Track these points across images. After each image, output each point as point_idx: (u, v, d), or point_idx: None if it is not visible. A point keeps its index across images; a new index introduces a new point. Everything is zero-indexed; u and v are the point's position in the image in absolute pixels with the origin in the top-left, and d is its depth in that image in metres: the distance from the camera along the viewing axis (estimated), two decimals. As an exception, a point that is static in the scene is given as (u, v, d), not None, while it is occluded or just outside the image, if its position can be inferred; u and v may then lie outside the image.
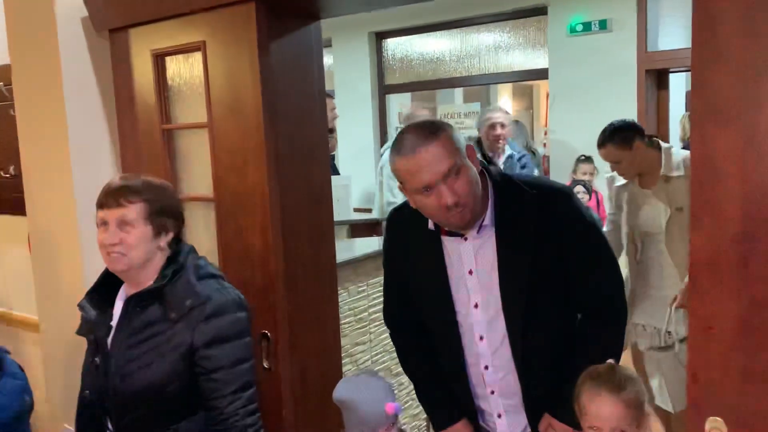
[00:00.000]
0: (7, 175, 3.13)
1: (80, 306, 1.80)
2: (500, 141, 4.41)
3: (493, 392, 1.86)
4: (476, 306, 1.78)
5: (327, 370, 2.38)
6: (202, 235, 2.33)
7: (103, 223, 1.69)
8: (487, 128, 4.42)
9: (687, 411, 1.32)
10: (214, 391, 1.68)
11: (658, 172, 2.86)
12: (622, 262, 3.01)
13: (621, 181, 3.08)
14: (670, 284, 2.86)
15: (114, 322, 1.75)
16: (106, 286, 1.81)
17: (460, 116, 6.37)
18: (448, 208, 1.59)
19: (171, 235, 1.76)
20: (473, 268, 1.76)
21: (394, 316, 2.01)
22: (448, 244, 1.78)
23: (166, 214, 1.74)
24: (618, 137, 2.86)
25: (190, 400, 1.70)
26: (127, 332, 1.71)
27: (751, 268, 1.21)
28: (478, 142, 4.44)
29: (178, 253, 1.76)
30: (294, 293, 2.20)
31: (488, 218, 1.73)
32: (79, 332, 1.83)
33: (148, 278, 1.72)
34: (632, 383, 1.57)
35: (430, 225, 1.76)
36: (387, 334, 2.55)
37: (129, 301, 1.73)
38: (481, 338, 1.80)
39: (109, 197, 1.69)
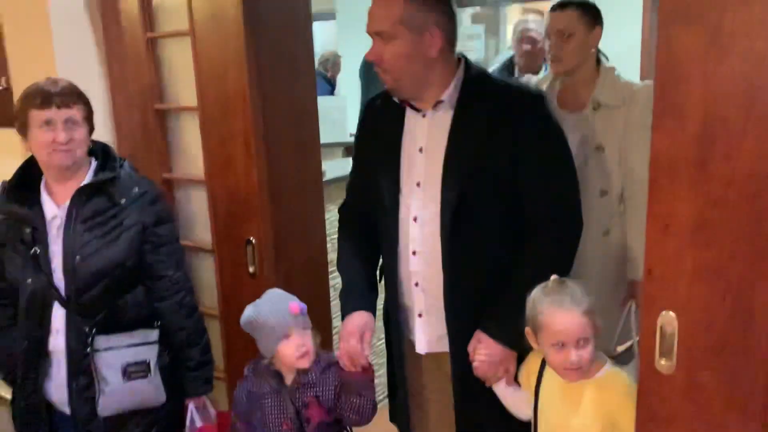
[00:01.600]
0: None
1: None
2: (538, 59, 3.44)
3: (417, 284, 1.80)
4: (418, 185, 1.76)
5: (313, 282, 2.45)
6: (192, 143, 2.36)
7: (46, 123, 1.82)
8: (521, 41, 3.50)
9: (641, 307, 1.38)
10: (162, 263, 1.98)
11: (589, 93, 2.24)
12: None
13: (543, 82, 2.45)
14: None
15: (54, 215, 1.91)
16: (21, 186, 1.95)
17: (463, 38, 6.23)
18: (371, 62, 1.69)
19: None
20: (423, 145, 1.75)
21: (347, 204, 2.02)
22: (408, 121, 1.79)
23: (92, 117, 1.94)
24: (589, 8, 2.26)
25: (136, 275, 1.95)
26: (79, 220, 1.88)
27: (709, 168, 1.24)
28: (510, 62, 3.66)
29: (107, 150, 2.00)
30: (278, 204, 2.24)
31: (447, 96, 1.72)
32: None
33: (82, 173, 1.92)
34: (585, 293, 1.57)
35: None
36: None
37: (79, 193, 1.89)
38: (415, 219, 1.77)
39: (56, 98, 1.82)
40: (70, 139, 1.83)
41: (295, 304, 1.81)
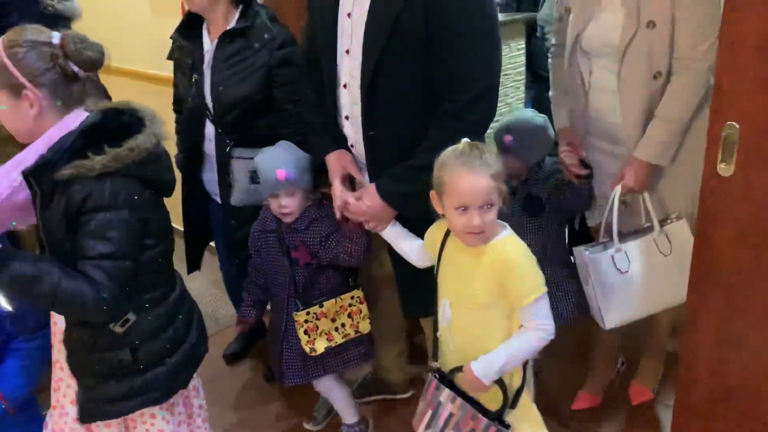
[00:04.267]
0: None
1: (173, 37, 2.37)
2: None
3: (353, 146, 1.92)
4: (347, 52, 1.80)
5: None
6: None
7: None
8: None
9: (709, 117, 1.53)
10: (283, 98, 2.27)
11: None
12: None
13: None
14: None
15: (207, 50, 2.30)
16: (188, 25, 2.35)
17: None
18: None
19: None
20: (351, 11, 1.77)
21: (305, 51, 2.07)
22: None
23: None
24: None
25: (265, 106, 2.28)
26: (221, 58, 2.25)
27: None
28: None
29: (249, 2, 2.28)
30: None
31: None
32: (170, 57, 2.42)
33: (230, 19, 2.27)
34: (493, 156, 1.54)
35: None
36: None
37: (223, 36, 2.25)
38: (345, 86, 1.83)
39: None
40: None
41: (282, 172, 1.97)
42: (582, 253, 1.97)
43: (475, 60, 1.71)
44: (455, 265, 1.64)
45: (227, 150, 2.30)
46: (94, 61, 1.46)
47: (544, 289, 1.54)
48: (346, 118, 1.88)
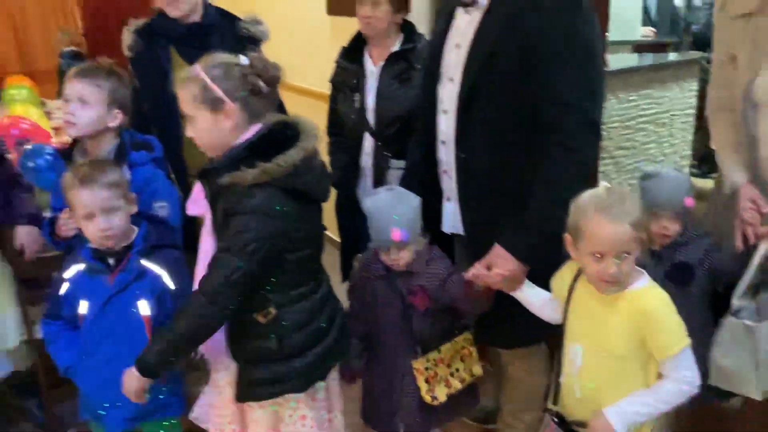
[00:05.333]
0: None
1: (338, 62, 2.70)
2: None
3: (445, 171, 1.98)
4: (451, 80, 1.89)
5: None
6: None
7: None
8: None
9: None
10: None
11: None
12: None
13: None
14: None
15: (372, 71, 2.59)
16: (353, 49, 2.67)
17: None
18: None
19: None
20: (460, 41, 1.86)
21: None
22: (456, 18, 1.89)
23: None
24: None
25: None
26: (388, 76, 2.55)
27: None
28: None
29: (411, 26, 2.58)
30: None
31: None
32: (332, 80, 2.73)
33: (392, 42, 2.56)
34: (635, 204, 1.49)
35: None
36: (652, 144, 2.59)
37: (390, 57, 2.54)
38: (445, 112, 1.92)
39: None
40: (370, 16, 2.50)
41: (397, 232, 1.85)
42: (745, 325, 1.76)
43: (575, 86, 1.69)
44: (587, 311, 1.60)
45: (386, 162, 2.56)
46: (276, 78, 1.65)
47: (688, 340, 1.48)
48: (443, 142, 1.95)
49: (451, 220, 2.02)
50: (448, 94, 1.89)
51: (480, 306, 1.91)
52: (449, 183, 1.97)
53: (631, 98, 3.53)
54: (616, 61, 3.55)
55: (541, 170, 1.73)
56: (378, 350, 2.08)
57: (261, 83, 1.62)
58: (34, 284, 2.43)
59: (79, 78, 1.98)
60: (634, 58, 4.29)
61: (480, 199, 1.90)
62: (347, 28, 2.79)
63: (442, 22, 1.95)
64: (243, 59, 1.64)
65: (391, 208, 1.88)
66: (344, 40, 2.74)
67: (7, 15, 6.35)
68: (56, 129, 3.78)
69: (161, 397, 1.87)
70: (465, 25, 1.84)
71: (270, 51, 2.49)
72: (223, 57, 1.65)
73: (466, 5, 1.82)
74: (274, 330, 1.69)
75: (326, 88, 2.90)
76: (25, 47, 6.47)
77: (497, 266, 1.75)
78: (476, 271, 1.79)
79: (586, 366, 1.60)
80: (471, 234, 1.96)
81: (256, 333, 1.70)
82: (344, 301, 2.01)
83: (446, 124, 1.91)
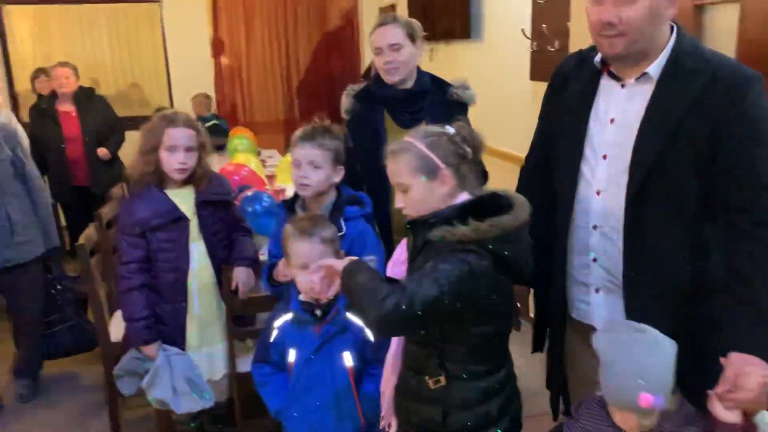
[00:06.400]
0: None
1: None
2: None
3: (595, 260, 1.78)
4: (605, 157, 1.72)
5: None
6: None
7: None
8: None
9: None
10: None
11: None
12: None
13: None
14: None
15: None
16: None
17: None
18: (602, 26, 1.59)
19: None
20: (616, 117, 1.71)
21: (526, 167, 2.05)
22: (604, 87, 1.75)
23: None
24: None
25: None
26: None
27: None
28: None
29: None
30: None
31: (654, 68, 1.64)
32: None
33: None
34: None
35: (597, 59, 1.74)
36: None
37: None
38: (599, 193, 1.74)
39: None
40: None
41: (647, 398, 1.47)
42: None
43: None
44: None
45: None
46: (480, 144, 1.68)
47: None
48: (594, 227, 1.78)
49: (607, 313, 1.82)
50: (604, 174, 1.74)
51: None
52: (599, 271, 1.80)
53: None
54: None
55: (744, 257, 1.58)
56: None
57: (468, 149, 1.65)
58: (240, 321, 2.64)
59: (305, 142, 2.15)
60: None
61: (648, 288, 1.71)
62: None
63: (581, 88, 1.81)
64: (449, 128, 1.68)
65: (638, 363, 1.49)
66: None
67: (237, 74, 7.14)
68: (269, 177, 4.15)
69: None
70: (623, 98, 1.72)
71: (474, 114, 2.55)
72: (431, 128, 1.71)
73: (619, 79, 1.73)
74: (442, 401, 1.65)
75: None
76: (248, 101, 7.23)
77: (748, 377, 1.49)
78: (725, 395, 1.50)
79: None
80: None
81: (423, 397, 1.67)
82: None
83: (601, 208, 1.76)
